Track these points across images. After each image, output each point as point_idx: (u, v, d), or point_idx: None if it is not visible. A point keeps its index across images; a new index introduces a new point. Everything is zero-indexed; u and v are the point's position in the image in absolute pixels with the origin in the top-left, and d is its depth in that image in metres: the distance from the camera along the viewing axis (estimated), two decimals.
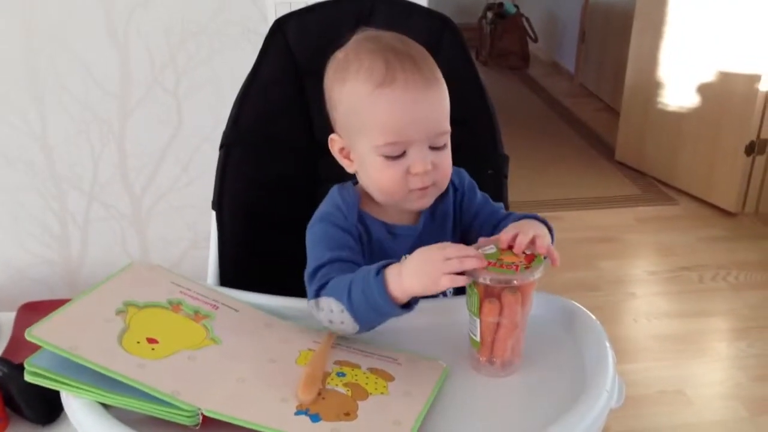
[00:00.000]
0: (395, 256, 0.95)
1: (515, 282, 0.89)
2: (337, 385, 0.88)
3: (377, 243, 1.08)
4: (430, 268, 0.89)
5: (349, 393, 0.86)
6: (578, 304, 1.03)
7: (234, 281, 1.24)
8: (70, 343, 0.83)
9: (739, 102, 3.07)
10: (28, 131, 1.88)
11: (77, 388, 0.82)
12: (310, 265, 1.02)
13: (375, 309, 0.92)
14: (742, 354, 2.31)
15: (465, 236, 1.13)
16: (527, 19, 5.55)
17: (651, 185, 3.51)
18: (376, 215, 1.09)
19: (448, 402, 0.89)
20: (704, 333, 2.44)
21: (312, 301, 0.99)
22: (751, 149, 3.08)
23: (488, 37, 5.60)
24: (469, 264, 0.88)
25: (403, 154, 1.00)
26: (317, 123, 1.25)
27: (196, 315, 0.97)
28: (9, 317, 1.88)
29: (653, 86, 3.46)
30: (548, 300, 1.04)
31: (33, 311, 1.88)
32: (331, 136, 1.09)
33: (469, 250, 0.91)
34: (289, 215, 1.13)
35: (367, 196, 1.09)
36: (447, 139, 1.04)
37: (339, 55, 1.06)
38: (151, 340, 0.89)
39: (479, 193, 1.15)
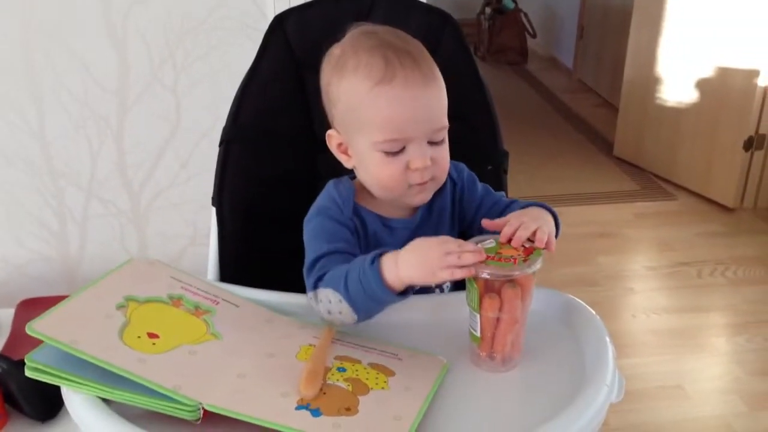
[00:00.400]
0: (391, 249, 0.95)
1: (516, 274, 0.89)
2: (338, 380, 0.88)
3: (373, 236, 1.09)
4: (429, 260, 0.90)
5: (350, 388, 0.87)
6: (578, 299, 1.04)
7: (234, 277, 1.24)
8: (70, 338, 0.83)
9: (737, 97, 3.07)
10: (26, 128, 1.88)
11: (78, 383, 0.82)
12: (308, 258, 1.03)
13: (372, 297, 0.93)
14: (740, 349, 2.32)
15: (470, 229, 1.13)
16: (526, 15, 5.54)
17: (649, 180, 3.51)
18: (372, 208, 1.09)
19: (448, 397, 0.89)
20: (703, 328, 2.44)
21: (311, 293, 1.00)
22: (749, 144, 3.08)
23: (487, 32, 5.59)
24: (468, 259, 0.89)
25: (402, 150, 1.01)
26: (317, 119, 1.25)
27: (197, 310, 0.97)
28: (8, 314, 1.88)
29: (652, 82, 3.46)
30: (548, 295, 1.04)
31: (32, 307, 1.88)
32: (329, 131, 1.10)
33: (469, 245, 0.91)
34: (289, 211, 1.13)
35: (363, 190, 1.10)
36: (445, 134, 1.04)
37: (335, 51, 1.06)
38: (151, 335, 0.89)
39: (480, 185, 1.16)
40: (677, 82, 3.33)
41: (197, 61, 1.88)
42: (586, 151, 3.90)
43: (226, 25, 1.85)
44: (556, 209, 1.05)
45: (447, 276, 0.89)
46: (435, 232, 0.96)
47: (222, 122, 1.31)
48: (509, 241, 0.94)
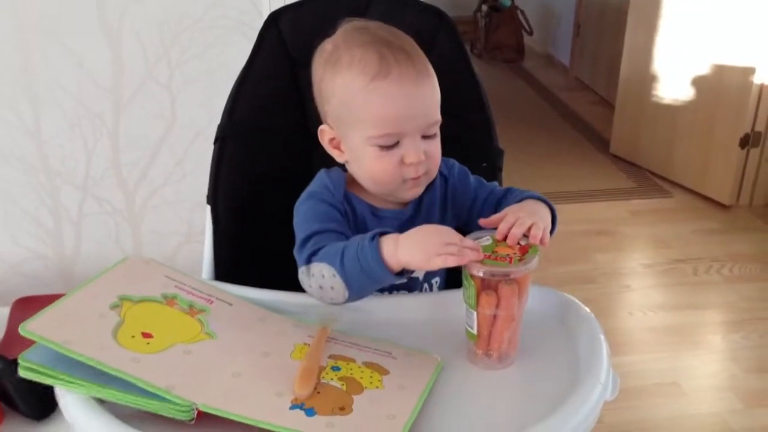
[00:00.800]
0: None
1: (514, 272, 0.89)
2: (332, 379, 0.88)
3: (362, 223, 1.10)
4: (428, 245, 0.91)
5: (344, 387, 0.87)
6: (573, 297, 1.04)
7: (229, 275, 1.24)
8: (64, 338, 0.83)
9: (733, 95, 3.07)
10: (20, 126, 1.87)
11: (71, 382, 0.82)
12: (299, 237, 1.04)
13: (368, 274, 0.94)
14: (736, 346, 2.32)
15: (468, 224, 1.14)
16: (522, 12, 5.54)
17: (646, 178, 3.51)
18: (363, 197, 1.11)
19: (442, 396, 0.89)
20: (699, 325, 2.45)
21: (303, 268, 1.00)
22: (745, 142, 3.08)
23: (483, 30, 5.58)
24: (468, 256, 0.89)
25: (396, 145, 1.02)
26: (311, 116, 1.25)
27: (191, 309, 0.97)
28: (3, 312, 1.88)
29: (648, 79, 3.45)
30: (543, 293, 1.04)
31: (27, 306, 1.88)
32: (321, 127, 1.11)
33: (469, 241, 0.92)
34: (284, 208, 1.13)
35: (354, 181, 1.11)
36: (437, 128, 1.06)
37: (327, 46, 1.07)
38: (146, 335, 0.89)
39: (472, 178, 1.16)
40: (673, 79, 3.33)
41: (193, 58, 1.87)
42: (582, 148, 3.90)
43: (221, 23, 1.85)
44: None
45: (440, 263, 0.90)
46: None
47: (217, 120, 1.31)
48: (505, 238, 0.94)
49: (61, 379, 0.82)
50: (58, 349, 0.82)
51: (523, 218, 0.95)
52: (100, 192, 1.99)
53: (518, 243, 0.94)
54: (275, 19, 1.31)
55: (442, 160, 1.10)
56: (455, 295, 0.96)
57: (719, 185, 3.22)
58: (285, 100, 1.32)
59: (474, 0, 5.74)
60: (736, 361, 2.25)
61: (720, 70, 3.11)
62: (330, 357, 0.92)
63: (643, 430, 1.99)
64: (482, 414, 0.87)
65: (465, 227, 1.13)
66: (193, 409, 0.80)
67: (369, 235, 0.95)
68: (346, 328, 0.99)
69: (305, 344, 0.94)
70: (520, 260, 0.91)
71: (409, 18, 1.29)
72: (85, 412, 0.81)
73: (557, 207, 1.07)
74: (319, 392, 0.85)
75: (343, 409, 0.83)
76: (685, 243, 2.95)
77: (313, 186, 1.11)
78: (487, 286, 0.91)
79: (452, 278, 1.14)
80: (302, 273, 1.01)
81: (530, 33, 5.56)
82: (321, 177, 1.12)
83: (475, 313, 0.93)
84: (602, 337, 0.94)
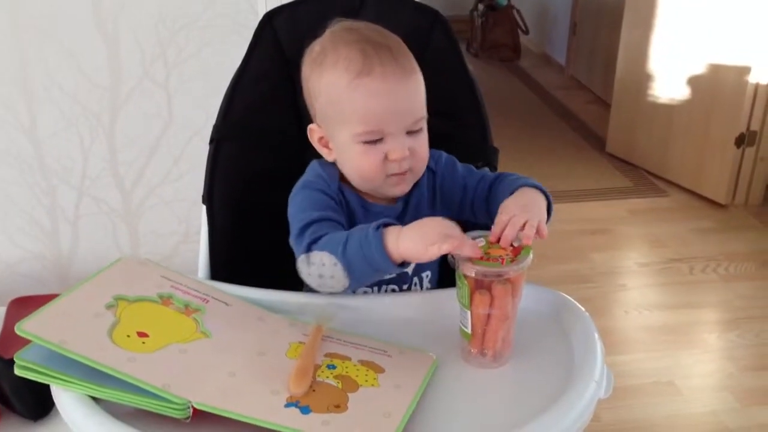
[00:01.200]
0: None
1: (507, 272, 0.90)
2: (327, 377, 0.88)
3: (354, 216, 1.11)
4: (427, 235, 0.92)
5: (340, 385, 0.87)
6: (567, 296, 1.04)
7: (225, 274, 1.24)
8: (60, 337, 0.83)
9: (729, 94, 3.07)
10: (16, 125, 1.87)
11: (67, 381, 0.82)
12: (296, 226, 1.05)
13: (369, 263, 0.95)
14: (732, 345, 2.33)
15: (459, 213, 1.14)
16: (518, 12, 5.54)
17: (642, 177, 3.51)
18: (355, 192, 1.12)
19: (438, 394, 0.89)
20: (695, 324, 2.45)
21: (302, 257, 1.01)
22: (741, 141, 3.09)
23: (479, 29, 5.59)
24: (466, 251, 0.90)
25: (381, 141, 1.04)
26: (306, 116, 1.25)
27: (187, 309, 0.97)
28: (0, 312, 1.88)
29: (644, 78, 3.46)
30: (538, 292, 1.04)
31: (24, 306, 1.87)
32: (310, 126, 1.13)
33: (470, 240, 0.93)
34: (279, 207, 1.13)
35: (345, 178, 1.12)
36: (423, 125, 1.07)
37: (315, 47, 1.09)
38: (141, 334, 0.89)
39: (460, 166, 1.17)
40: (669, 79, 3.33)
41: (189, 58, 1.87)
42: (578, 147, 3.90)
43: (218, 23, 1.85)
44: None
45: (435, 252, 0.90)
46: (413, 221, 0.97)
47: (214, 119, 1.31)
48: (499, 239, 0.94)
49: (57, 378, 0.82)
50: (54, 348, 0.82)
51: (516, 217, 0.95)
52: (96, 191, 1.99)
53: (511, 244, 0.94)
54: (270, 18, 1.31)
55: (429, 152, 1.11)
56: (450, 294, 0.96)
57: (715, 184, 3.22)
58: (280, 99, 1.32)
59: None
60: (732, 359, 2.26)
61: (716, 69, 3.11)
62: (325, 355, 0.93)
63: (639, 429, 1.99)
64: (477, 412, 0.88)
65: (457, 218, 1.14)
66: (188, 408, 0.80)
67: (374, 224, 0.96)
68: (342, 327, 1.00)
69: (300, 343, 0.95)
70: (512, 261, 0.91)
71: (404, 17, 1.29)
72: (82, 410, 0.81)
73: (553, 206, 1.07)
74: (314, 390, 0.85)
75: (339, 407, 0.83)
76: (681, 242, 2.95)
77: (308, 176, 1.12)
78: (480, 285, 0.91)
79: (444, 273, 1.15)
80: (301, 261, 1.01)
81: (526, 32, 5.56)
82: (314, 167, 1.13)
83: (468, 313, 0.93)
84: (596, 335, 0.94)
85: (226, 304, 1.01)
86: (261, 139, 1.31)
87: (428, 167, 1.14)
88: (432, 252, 0.91)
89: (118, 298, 0.94)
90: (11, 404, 1.51)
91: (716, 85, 3.12)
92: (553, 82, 4.97)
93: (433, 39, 1.29)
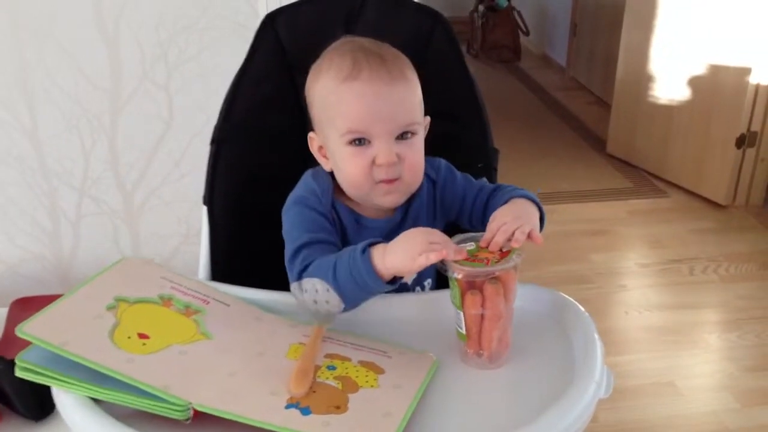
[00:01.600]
0: None
1: (492, 270, 0.91)
2: (327, 378, 0.88)
3: (346, 234, 1.10)
4: (412, 246, 0.92)
5: (340, 386, 0.87)
6: (567, 296, 1.04)
7: (226, 275, 1.24)
8: (60, 339, 0.83)
9: (729, 95, 3.07)
10: (17, 126, 1.87)
11: (68, 383, 0.82)
12: (289, 249, 1.04)
13: (361, 287, 0.95)
14: (732, 345, 2.33)
15: (459, 222, 1.15)
16: (519, 13, 5.54)
17: (642, 178, 3.52)
18: (349, 206, 1.11)
19: (438, 394, 0.89)
20: (695, 325, 2.45)
21: (295, 284, 1.01)
22: (741, 142, 3.09)
23: (480, 30, 5.59)
24: (451, 255, 0.90)
25: (369, 144, 1.03)
26: (307, 117, 1.25)
27: (187, 310, 0.97)
28: (1, 313, 1.88)
29: (644, 79, 3.46)
30: (538, 292, 1.05)
31: (25, 306, 1.87)
32: (310, 134, 1.13)
33: (453, 244, 0.93)
34: (279, 209, 1.13)
35: (341, 190, 1.11)
36: (415, 130, 1.06)
37: (317, 61, 1.10)
38: (142, 336, 0.89)
39: (459, 175, 1.17)
40: (669, 79, 3.34)
41: (190, 60, 1.87)
42: (578, 148, 3.91)
43: (218, 24, 1.85)
44: (548, 207, 1.06)
45: (424, 261, 0.90)
46: None
47: (214, 121, 1.31)
48: (488, 246, 0.95)
49: (58, 379, 0.82)
50: (56, 350, 0.82)
51: (508, 225, 0.95)
52: (97, 193, 1.99)
53: (500, 249, 0.95)
54: (272, 20, 1.31)
55: (428, 160, 1.10)
56: (448, 294, 0.96)
57: (715, 185, 3.22)
58: (281, 101, 1.32)
59: (470, 0, 5.75)
60: (733, 360, 2.26)
61: (716, 70, 3.11)
62: (325, 356, 0.93)
63: (640, 429, 1.99)
64: (477, 412, 0.88)
65: (453, 227, 1.14)
66: (189, 409, 0.80)
67: (360, 247, 0.95)
68: (342, 328, 1.00)
69: (300, 344, 0.95)
70: (497, 262, 0.92)
71: (405, 18, 1.29)
72: (82, 412, 0.81)
73: (553, 207, 1.08)
74: (314, 391, 0.85)
75: (339, 408, 0.83)
76: (681, 243, 2.95)
77: (300, 190, 1.11)
78: (471, 286, 0.92)
79: (444, 280, 1.15)
80: (294, 288, 1.01)
81: (526, 33, 5.56)
82: (308, 181, 1.12)
83: (461, 314, 0.93)
84: (596, 335, 0.94)
85: (227, 305, 1.02)
86: (262, 140, 1.31)
87: (429, 176, 1.13)
88: (420, 262, 0.90)
89: (119, 300, 0.94)
90: (12, 405, 1.51)
91: (716, 86, 3.12)
92: (554, 83, 4.98)
93: (434, 40, 1.29)
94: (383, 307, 1.04)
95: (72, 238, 2.03)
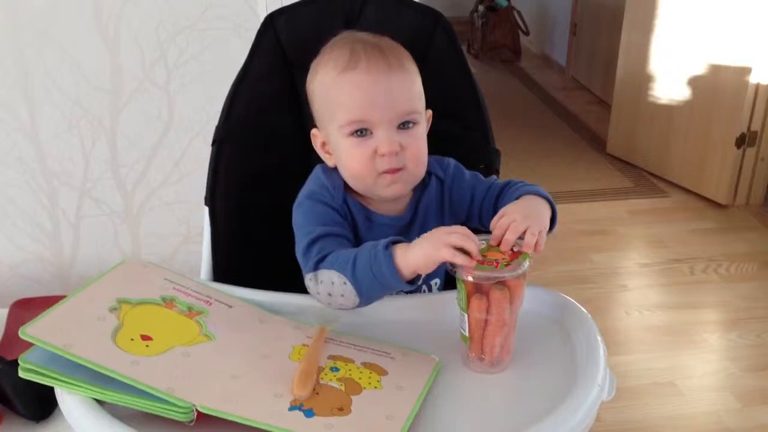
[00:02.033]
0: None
1: (499, 276, 0.90)
2: (331, 380, 0.88)
3: (357, 229, 1.10)
4: (435, 238, 0.92)
5: (343, 388, 0.87)
6: (569, 298, 1.04)
7: (227, 276, 1.24)
8: (64, 341, 0.83)
9: (729, 94, 3.07)
10: (18, 127, 1.87)
11: (71, 384, 0.82)
12: (302, 241, 1.04)
13: (381, 282, 0.95)
14: (733, 345, 2.33)
15: (469, 220, 1.14)
16: (519, 13, 5.54)
17: (642, 178, 3.51)
18: (360, 201, 1.11)
19: (441, 396, 0.89)
20: (696, 324, 2.45)
21: (310, 275, 1.00)
22: (741, 141, 3.09)
23: (480, 30, 5.59)
24: (469, 245, 0.90)
25: (370, 136, 1.03)
26: (308, 117, 1.25)
27: (190, 311, 0.97)
28: (2, 314, 1.88)
29: (644, 79, 3.46)
30: (539, 293, 1.04)
31: (26, 307, 1.88)
32: (312, 131, 1.13)
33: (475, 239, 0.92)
34: (281, 209, 1.13)
35: (350, 187, 1.11)
36: (416, 120, 1.05)
37: (317, 57, 1.10)
38: (145, 337, 0.89)
39: (467, 173, 1.16)
40: (669, 79, 3.34)
41: (190, 60, 1.87)
42: (579, 148, 3.91)
43: (218, 25, 1.85)
44: None
45: (448, 255, 0.89)
46: (421, 232, 0.97)
47: (215, 121, 1.31)
48: (499, 243, 0.94)
49: (61, 380, 0.82)
50: (59, 352, 0.82)
51: (517, 222, 0.95)
52: (98, 194, 1.99)
53: (511, 249, 0.94)
54: (272, 20, 1.31)
55: (436, 159, 1.10)
56: (453, 296, 0.96)
57: (716, 185, 3.22)
58: (282, 101, 1.32)
59: (470, 0, 5.75)
60: (733, 360, 2.26)
61: (716, 70, 3.11)
62: (329, 358, 0.93)
63: (640, 429, 1.99)
64: (480, 414, 0.88)
65: (465, 223, 1.13)
66: (192, 411, 0.80)
67: (382, 243, 0.95)
68: (345, 329, 1.00)
69: (304, 345, 0.95)
70: (507, 265, 0.91)
71: (406, 19, 1.29)
72: (86, 413, 0.81)
73: None
74: (317, 393, 0.85)
75: (342, 409, 0.83)
76: (681, 242, 2.95)
77: (312, 185, 1.11)
78: (478, 289, 0.91)
79: (452, 280, 1.15)
80: (309, 279, 1.01)
81: (526, 33, 5.56)
82: (318, 176, 1.12)
83: (466, 317, 0.93)
84: (599, 337, 0.94)
85: (229, 306, 1.01)
86: (263, 141, 1.31)
87: (436, 176, 1.13)
88: (444, 253, 0.90)
89: (121, 301, 0.94)
90: (13, 405, 1.51)
91: (717, 86, 3.12)
92: (554, 83, 4.98)
93: (435, 40, 1.29)
94: (386, 309, 1.04)
95: (72, 238, 2.03)
